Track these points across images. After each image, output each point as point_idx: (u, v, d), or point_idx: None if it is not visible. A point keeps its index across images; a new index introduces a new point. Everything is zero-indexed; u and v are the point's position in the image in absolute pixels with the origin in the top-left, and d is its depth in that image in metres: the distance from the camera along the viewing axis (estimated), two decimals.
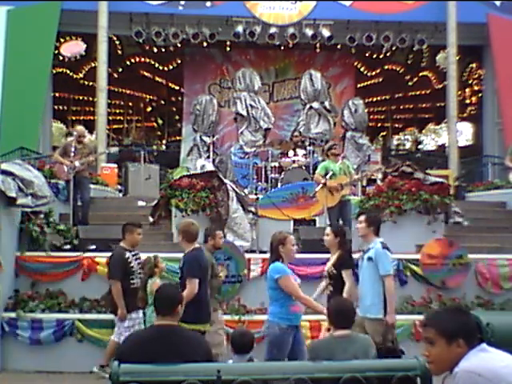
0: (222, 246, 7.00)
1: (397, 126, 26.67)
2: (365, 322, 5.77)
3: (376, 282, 5.81)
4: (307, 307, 5.73)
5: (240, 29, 15.40)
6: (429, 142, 29.75)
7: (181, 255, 8.21)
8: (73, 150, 10.13)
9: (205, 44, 16.09)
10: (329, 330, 4.42)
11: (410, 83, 21.48)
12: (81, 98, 21.23)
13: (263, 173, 13.07)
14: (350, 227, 9.20)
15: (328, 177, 9.30)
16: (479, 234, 10.65)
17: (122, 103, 23.01)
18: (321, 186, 9.34)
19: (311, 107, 15.30)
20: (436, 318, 2.60)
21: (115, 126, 23.70)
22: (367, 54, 18.03)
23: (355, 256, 6.37)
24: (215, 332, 6.53)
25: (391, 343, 5.68)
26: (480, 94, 18.51)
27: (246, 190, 12.04)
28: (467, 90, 20.20)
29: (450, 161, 15.40)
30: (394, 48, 16.48)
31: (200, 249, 6.09)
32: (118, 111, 23.36)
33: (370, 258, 5.88)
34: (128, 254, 6.79)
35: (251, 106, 14.98)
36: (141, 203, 12.06)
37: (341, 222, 9.48)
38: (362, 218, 6.13)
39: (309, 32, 15.60)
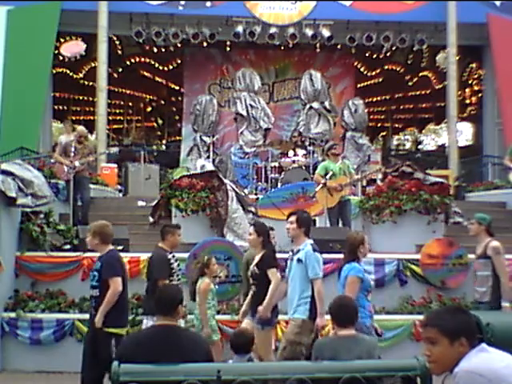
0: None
1: (397, 125, 26.68)
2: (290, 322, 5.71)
3: (304, 284, 5.67)
4: None
5: (240, 29, 15.41)
6: (429, 142, 29.77)
7: (181, 255, 8.26)
8: (73, 150, 10.13)
9: (205, 44, 16.09)
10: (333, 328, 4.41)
11: (410, 83, 21.48)
12: (81, 97, 21.23)
13: (263, 173, 13.08)
14: (349, 227, 9.21)
15: (328, 177, 9.30)
16: None
17: (122, 103, 23.02)
18: (320, 186, 9.34)
19: (311, 107, 15.31)
20: (437, 317, 2.59)
21: (115, 126, 23.71)
22: (367, 54, 18.03)
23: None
24: None
25: (307, 346, 5.47)
26: (480, 94, 18.52)
27: (246, 190, 12.05)
28: (467, 90, 20.20)
29: (450, 161, 15.40)
30: (394, 48, 16.49)
31: (115, 250, 5.96)
32: (118, 111, 23.37)
33: (299, 260, 5.71)
34: (169, 256, 6.74)
35: (251, 105, 14.98)
36: (141, 203, 12.05)
37: (340, 222, 9.50)
38: (293, 218, 5.87)
39: (309, 32, 15.60)
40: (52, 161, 11.04)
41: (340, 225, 9.49)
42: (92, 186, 11.46)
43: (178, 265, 6.86)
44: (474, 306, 6.86)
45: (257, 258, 6.18)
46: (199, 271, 6.76)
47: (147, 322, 6.51)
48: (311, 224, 6.21)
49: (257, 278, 6.08)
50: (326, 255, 8.36)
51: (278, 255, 8.60)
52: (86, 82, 19.37)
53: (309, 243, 5.77)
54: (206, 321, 6.58)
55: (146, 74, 21.24)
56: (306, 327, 5.61)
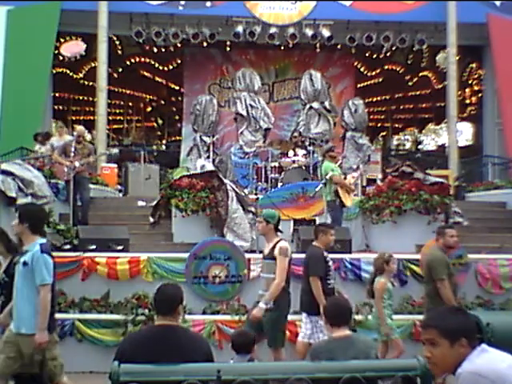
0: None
1: (397, 125, 26.69)
2: (18, 338, 4.86)
3: (32, 291, 4.85)
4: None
5: (240, 29, 15.42)
6: (429, 142, 29.74)
7: (181, 255, 8.27)
8: (73, 150, 10.13)
9: (205, 44, 16.10)
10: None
11: (410, 83, 21.49)
12: (81, 97, 21.25)
13: (263, 173, 13.07)
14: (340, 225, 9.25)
15: (328, 177, 9.34)
16: (479, 234, 10.65)
17: (122, 103, 23.03)
18: (321, 185, 9.36)
19: (311, 107, 15.30)
20: (437, 318, 2.59)
21: (115, 126, 23.72)
22: (367, 54, 18.03)
23: None
24: None
25: (40, 367, 4.84)
26: (480, 94, 18.52)
27: (246, 190, 12.05)
28: (467, 90, 20.21)
29: (450, 161, 15.41)
30: (394, 48, 16.50)
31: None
32: (118, 111, 23.38)
33: (25, 263, 4.87)
34: (325, 254, 6.73)
35: (251, 105, 14.97)
36: (141, 203, 12.05)
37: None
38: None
39: (309, 32, 15.61)
40: (52, 161, 11.05)
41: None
42: (92, 186, 11.46)
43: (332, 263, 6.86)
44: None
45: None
46: (378, 269, 6.77)
47: (306, 321, 6.60)
48: (38, 219, 5.26)
49: (5, 286, 5.43)
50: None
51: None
52: (86, 82, 19.37)
53: (38, 243, 4.92)
54: (384, 319, 6.57)
55: (146, 73, 21.25)
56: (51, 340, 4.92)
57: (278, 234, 6.33)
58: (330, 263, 6.74)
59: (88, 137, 15.69)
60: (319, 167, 9.88)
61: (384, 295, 6.64)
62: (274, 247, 6.16)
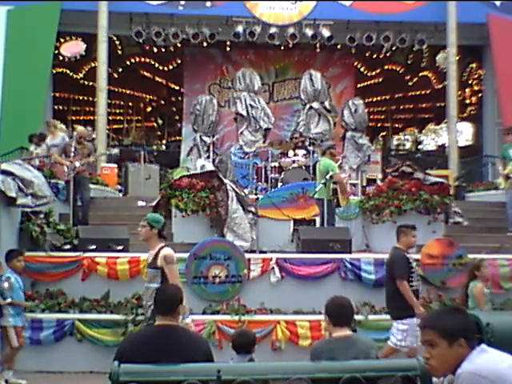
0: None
1: (397, 125, 26.69)
2: None
3: None
4: None
5: (240, 29, 15.42)
6: (429, 142, 29.72)
7: (181, 255, 8.26)
8: (73, 150, 10.13)
9: (205, 44, 16.10)
10: (326, 329, 4.40)
11: (410, 83, 21.49)
12: (81, 97, 21.24)
13: (263, 173, 13.07)
14: (333, 225, 9.26)
15: (328, 177, 9.33)
16: (479, 234, 10.64)
17: (122, 103, 23.02)
18: (321, 185, 9.34)
19: (311, 107, 15.30)
20: (435, 319, 2.59)
21: (115, 126, 23.72)
22: (367, 54, 18.04)
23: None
24: None
25: None
26: (480, 94, 18.52)
27: (246, 190, 12.03)
28: (467, 90, 20.20)
29: (450, 161, 15.41)
30: (394, 48, 16.50)
31: None
32: (118, 111, 23.37)
33: None
34: (408, 255, 6.67)
35: (251, 105, 14.97)
36: (141, 203, 12.05)
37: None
38: None
39: (309, 32, 15.61)
40: (52, 161, 11.05)
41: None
42: (92, 186, 11.46)
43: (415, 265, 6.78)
44: None
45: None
46: (469, 275, 6.75)
47: (402, 328, 6.51)
48: None
49: None
50: (326, 255, 8.43)
51: (274, 254, 8.64)
52: (86, 82, 19.37)
53: None
54: None
55: (146, 73, 21.25)
56: None
57: (162, 240, 5.96)
58: (414, 264, 6.67)
59: (93, 135, 15.69)
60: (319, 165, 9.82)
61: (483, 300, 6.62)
62: (157, 255, 5.70)
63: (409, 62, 19.48)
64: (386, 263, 6.95)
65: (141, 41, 15.86)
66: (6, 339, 6.95)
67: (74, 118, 21.77)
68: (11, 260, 7.27)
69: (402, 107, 24.36)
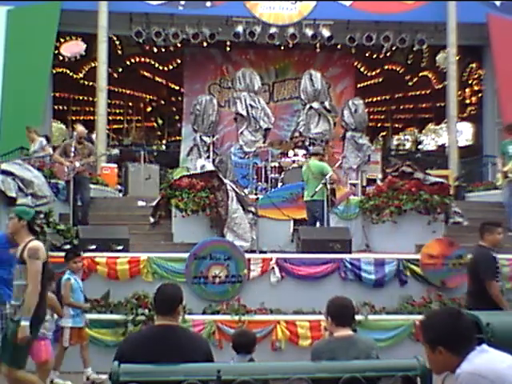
0: None
1: (397, 125, 26.70)
2: None
3: None
4: None
5: (240, 29, 15.42)
6: (429, 142, 29.77)
7: (181, 255, 8.27)
8: (73, 150, 10.13)
9: (205, 44, 16.10)
10: (325, 329, 4.40)
11: (410, 83, 21.50)
12: (81, 97, 21.26)
13: (263, 173, 13.07)
14: (322, 224, 9.30)
15: (328, 177, 9.36)
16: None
17: (122, 103, 23.03)
18: (321, 186, 9.36)
19: (311, 107, 15.30)
20: (424, 323, 2.65)
21: (115, 126, 23.73)
22: (367, 54, 18.04)
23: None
24: None
25: None
26: (480, 94, 18.52)
27: (246, 190, 12.03)
28: (467, 90, 20.21)
29: (450, 161, 15.41)
30: (394, 48, 16.50)
31: None
32: (118, 111, 23.38)
33: None
34: (494, 254, 6.37)
35: (251, 105, 14.97)
36: (141, 203, 12.05)
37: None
38: None
39: (309, 32, 15.61)
40: (52, 161, 11.05)
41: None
42: (92, 186, 11.45)
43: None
44: None
45: None
46: None
47: None
48: None
49: None
50: (326, 255, 8.43)
51: (274, 254, 8.64)
52: (86, 82, 19.38)
53: None
54: None
55: (146, 73, 21.25)
56: None
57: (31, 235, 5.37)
58: (499, 263, 6.41)
59: (93, 135, 15.71)
60: (313, 166, 9.85)
61: None
62: (24, 249, 5.21)
63: (409, 62, 19.49)
64: (469, 263, 6.65)
65: (141, 41, 15.86)
66: (61, 339, 6.98)
67: (74, 117, 21.79)
68: (68, 261, 7.24)
69: (401, 107, 24.37)
